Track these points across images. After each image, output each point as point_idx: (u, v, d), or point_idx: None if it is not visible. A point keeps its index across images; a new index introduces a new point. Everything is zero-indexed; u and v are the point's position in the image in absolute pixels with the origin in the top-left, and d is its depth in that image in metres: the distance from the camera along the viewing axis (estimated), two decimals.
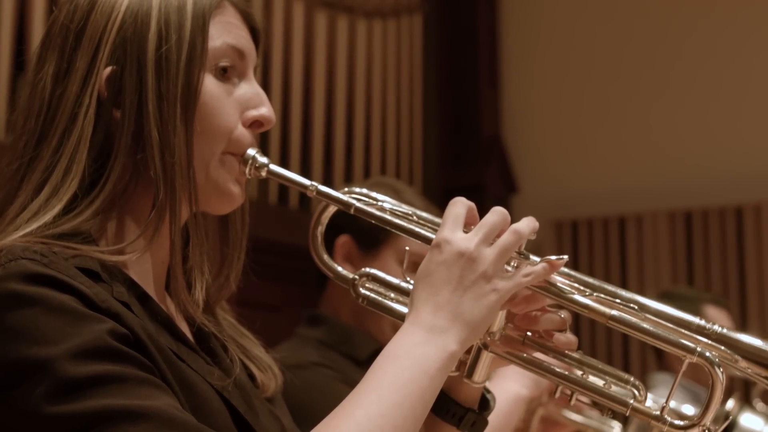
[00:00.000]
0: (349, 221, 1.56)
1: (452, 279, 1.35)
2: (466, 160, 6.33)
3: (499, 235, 1.38)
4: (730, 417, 2.65)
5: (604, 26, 6.61)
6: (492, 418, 1.55)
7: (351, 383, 2.46)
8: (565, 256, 1.39)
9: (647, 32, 6.46)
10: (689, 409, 2.47)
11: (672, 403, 2.58)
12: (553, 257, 1.38)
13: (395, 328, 2.64)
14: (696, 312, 4.29)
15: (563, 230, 6.53)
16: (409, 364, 1.31)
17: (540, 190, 6.50)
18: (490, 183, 6.27)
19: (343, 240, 2.59)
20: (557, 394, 1.47)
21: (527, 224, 1.40)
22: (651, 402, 1.44)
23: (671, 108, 6.32)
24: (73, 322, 1.23)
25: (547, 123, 6.66)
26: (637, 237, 6.39)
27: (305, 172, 5.27)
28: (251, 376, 1.53)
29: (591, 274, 1.44)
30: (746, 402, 4.41)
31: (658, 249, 6.32)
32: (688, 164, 6.26)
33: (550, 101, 6.66)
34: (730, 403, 2.71)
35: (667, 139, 6.33)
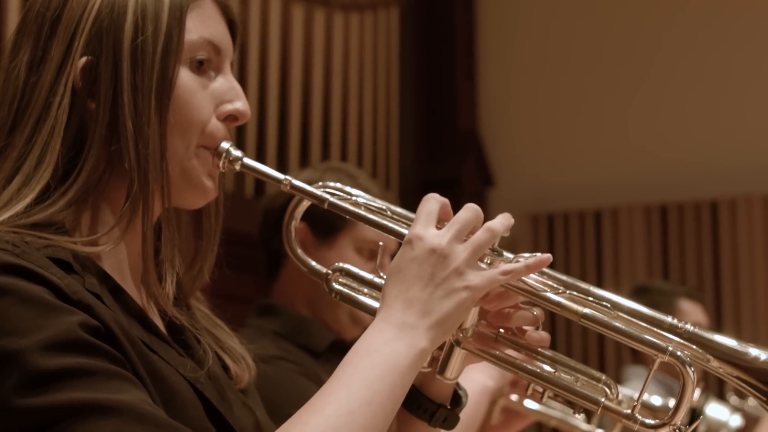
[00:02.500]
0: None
1: (423, 275, 1.34)
2: (442, 153, 6.33)
3: (472, 232, 1.38)
4: (696, 410, 2.66)
5: (581, 20, 6.62)
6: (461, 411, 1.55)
7: (312, 376, 2.46)
8: (548, 255, 1.38)
9: (625, 26, 6.48)
10: (657, 400, 2.47)
11: (650, 398, 2.58)
12: (532, 259, 1.37)
13: (353, 319, 2.64)
14: (670, 305, 4.32)
15: (539, 224, 6.55)
16: (378, 360, 1.31)
17: (516, 183, 6.51)
18: (466, 176, 6.27)
19: (298, 227, 2.57)
20: (529, 391, 1.47)
21: (501, 221, 1.40)
22: (626, 392, 1.44)
23: (648, 102, 6.35)
24: (44, 314, 1.22)
25: (524, 117, 6.67)
26: (613, 230, 6.41)
27: (281, 166, 5.26)
28: (225, 368, 1.53)
29: (567, 267, 1.44)
30: (720, 395, 4.43)
31: (634, 242, 6.35)
32: (664, 158, 6.29)
33: (527, 95, 6.67)
34: (696, 394, 2.72)
35: (644, 134, 6.35)
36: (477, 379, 2.21)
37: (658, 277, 6.20)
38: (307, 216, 2.51)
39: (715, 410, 2.99)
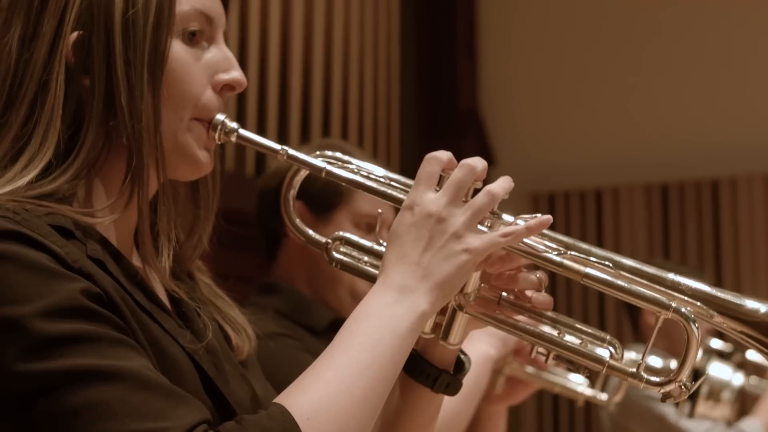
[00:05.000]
0: (300, 186, 1.55)
1: (422, 240, 1.34)
2: (443, 132, 6.32)
3: (475, 193, 1.38)
4: (699, 370, 2.67)
5: None
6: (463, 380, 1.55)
7: (313, 352, 2.45)
8: (548, 217, 1.38)
9: (625, 5, 6.46)
10: (657, 362, 2.47)
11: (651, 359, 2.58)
12: (533, 221, 1.37)
13: (352, 296, 2.65)
14: None
15: (540, 202, 6.55)
16: (378, 324, 1.31)
17: (517, 162, 6.50)
18: (467, 155, 6.16)
19: (295, 205, 2.57)
20: (533, 354, 1.47)
21: (501, 185, 1.40)
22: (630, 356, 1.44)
23: (649, 81, 6.33)
24: (46, 281, 1.21)
25: (525, 96, 6.66)
26: (614, 209, 6.41)
27: (282, 143, 5.23)
28: (227, 338, 1.53)
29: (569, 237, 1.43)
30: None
31: (635, 221, 6.35)
32: (665, 137, 6.28)
33: (528, 74, 6.66)
34: (699, 355, 2.73)
35: (644, 112, 6.34)
36: (479, 348, 2.21)
37: (659, 256, 6.20)
38: (304, 193, 2.52)
39: (718, 370, 2.99)
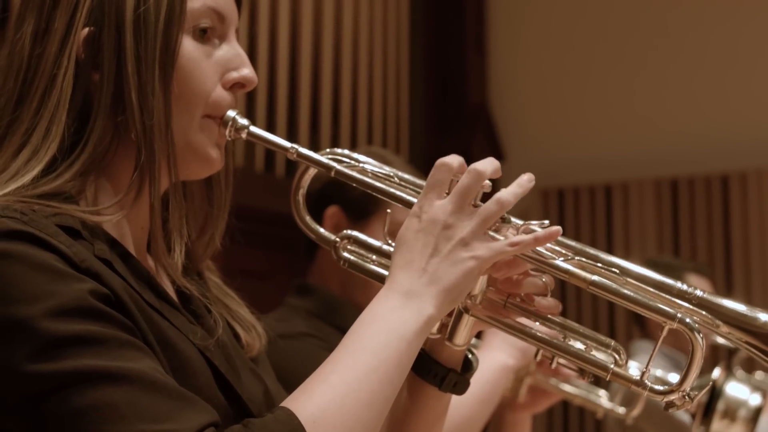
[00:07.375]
0: (338, 192, 1.56)
1: (428, 246, 1.35)
2: (452, 127, 6.32)
3: (485, 199, 1.37)
4: (714, 385, 2.67)
5: None
6: (478, 388, 1.55)
7: None
8: (557, 228, 1.36)
9: (634, 0, 6.45)
10: (675, 378, 2.48)
11: (658, 372, 2.59)
12: (542, 233, 1.36)
13: None
14: (679, 280, 4.33)
15: (549, 198, 6.54)
16: (384, 328, 1.31)
17: (526, 157, 6.49)
18: (476, 151, 6.25)
19: (332, 211, 2.57)
20: (538, 357, 1.47)
21: (513, 191, 1.39)
22: (634, 368, 1.44)
23: (658, 75, 6.32)
24: (53, 281, 1.21)
25: (534, 91, 6.65)
26: (623, 205, 6.40)
27: (291, 140, 5.23)
28: (236, 336, 1.53)
29: (577, 242, 1.43)
30: (728, 370, 4.42)
31: (644, 217, 6.34)
32: (675, 132, 6.27)
33: (537, 69, 6.65)
34: (716, 372, 2.73)
35: (654, 107, 6.33)
36: (496, 357, 2.22)
37: (668, 252, 6.19)
38: (341, 199, 2.53)
39: (736, 389, 3.01)
